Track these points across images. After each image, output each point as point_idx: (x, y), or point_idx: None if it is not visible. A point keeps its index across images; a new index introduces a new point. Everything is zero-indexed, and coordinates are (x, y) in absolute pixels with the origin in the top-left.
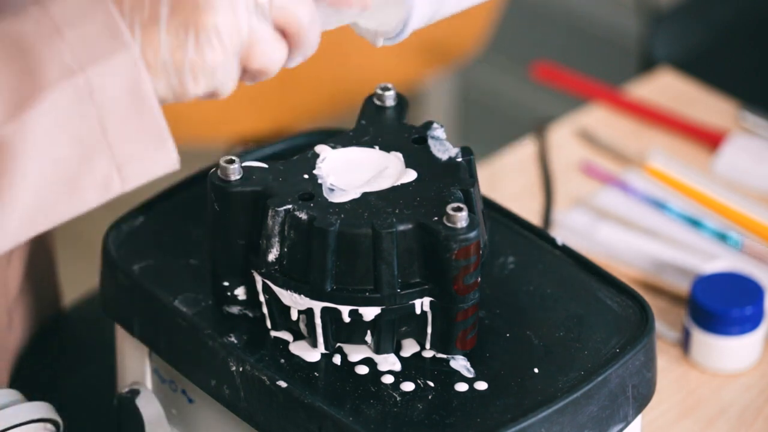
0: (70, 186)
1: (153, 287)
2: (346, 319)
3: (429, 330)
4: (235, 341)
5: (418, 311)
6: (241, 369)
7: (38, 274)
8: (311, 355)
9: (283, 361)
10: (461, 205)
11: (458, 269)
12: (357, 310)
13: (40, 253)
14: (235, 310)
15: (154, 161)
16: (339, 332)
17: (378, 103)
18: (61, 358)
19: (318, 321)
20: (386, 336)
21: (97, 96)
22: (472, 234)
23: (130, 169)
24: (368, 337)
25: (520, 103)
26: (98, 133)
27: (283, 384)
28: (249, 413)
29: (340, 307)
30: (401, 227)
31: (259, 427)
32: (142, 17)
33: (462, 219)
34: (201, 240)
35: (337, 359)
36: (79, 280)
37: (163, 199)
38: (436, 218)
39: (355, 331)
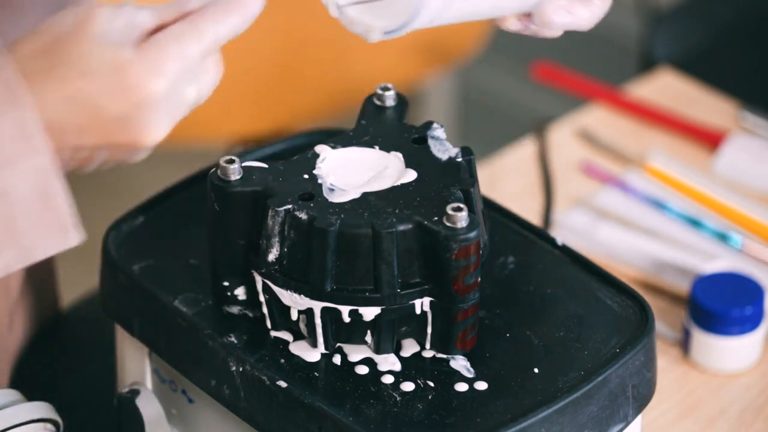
0: None
1: (153, 287)
2: (346, 319)
3: (429, 330)
4: (235, 341)
5: (418, 311)
6: (241, 369)
7: (39, 275)
8: (311, 355)
9: (283, 361)
10: (461, 205)
11: (458, 269)
12: (357, 310)
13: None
14: (235, 310)
15: (55, 248)
16: (339, 332)
17: (378, 103)
18: (61, 358)
19: (318, 321)
20: (386, 336)
21: (8, 196)
22: (472, 234)
23: (32, 256)
24: (368, 337)
25: (520, 103)
26: (7, 228)
27: (283, 384)
28: (249, 413)
29: (340, 307)
30: (401, 227)
31: (259, 427)
32: (80, 157)
33: (462, 219)
34: (201, 240)
35: (337, 359)
36: (79, 280)
37: (163, 199)
38: (436, 218)
39: (355, 331)
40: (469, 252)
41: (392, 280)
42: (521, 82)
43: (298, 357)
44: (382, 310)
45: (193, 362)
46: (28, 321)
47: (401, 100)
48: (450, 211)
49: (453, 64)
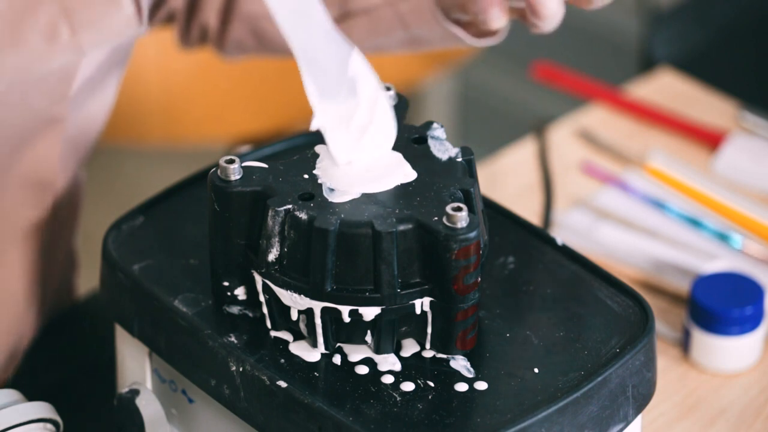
0: (12, 34)
1: (153, 287)
2: (346, 319)
3: (429, 330)
4: (235, 341)
5: (418, 311)
6: (241, 369)
7: (52, 278)
8: (311, 355)
9: (283, 361)
10: (461, 205)
11: (458, 269)
12: (357, 310)
13: (54, 260)
14: (235, 310)
15: (105, 12)
16: (339, 332)
17: None
18: (62, 358)
19: (318, 321)
20: (386, 336)
21: None
22: (472, 234)
23: (78, 16)
24: (368, 337)
25: (520, 103)
26: None
27: (283, 384)
28: (249, 413)
29: (340, 307)
30: (401, 227)
31: (259, 427)
32: None
33: (462, 219)
34: (201, 240)
35: (337, 359)
36: (80, 279)
37: (163, 199)
38: (436, 218)
39: (355, 331)
40: (469, 252)
41: (392, 280)
42: (521, 82)
43: (298, 357)
44: (382, 310)
45: (193, 362)
46: (35, 321)
47: (401, 100)
48: (450, 211)
49: (453, 65)
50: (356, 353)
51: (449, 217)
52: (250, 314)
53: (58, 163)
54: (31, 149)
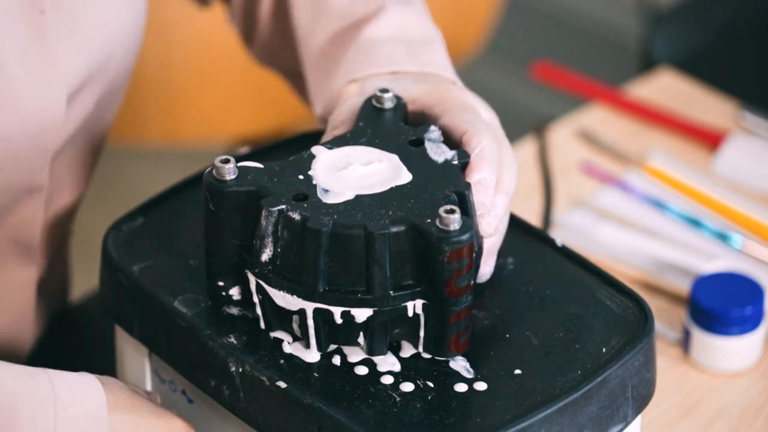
0: None
1: (153, 287)
2: (338, 320)
3: (422, 333)
4: (235, 342)
5: (410, 313)
6: (240, 369)
7: (52, 281)
8: (310, 355)
9: (282, 361)
10: (454, 208)
11: (450, 272)
12: (349, 311)
13: (58, 261)
14: (234, 310)
15: None
16: (332, 334)
17: (376, 104)
18: (62, 358)
19: (310, 322)
20: (379, 338)
21: None
22: (465, 236)
23: None
24: (361, 339)
25: (520, 103)
26: None
27: (282, 384)
28: (248, 413)
29: (332, 309)
30: (394, 229)
31: (258, 427)
32: None
33: (455, 221)
34: (201, 241)
35: (336, 360)
36: (79, 280)
37: (163, 199)
38: (429, 220)
39: (347, 332)
40: (461, 254)
41: (384, 281)
42: (521, 82)
43: (297, 357)
44: (374, 311)
45: (192, 363)
46: (37, 324)
47: (399, 102)
48: (443, 213)
49: (453, 64)
50: (355, 354)
51: (442, 219)
52: (250, 315)
53: (40, 228)
54: (12, 216)
